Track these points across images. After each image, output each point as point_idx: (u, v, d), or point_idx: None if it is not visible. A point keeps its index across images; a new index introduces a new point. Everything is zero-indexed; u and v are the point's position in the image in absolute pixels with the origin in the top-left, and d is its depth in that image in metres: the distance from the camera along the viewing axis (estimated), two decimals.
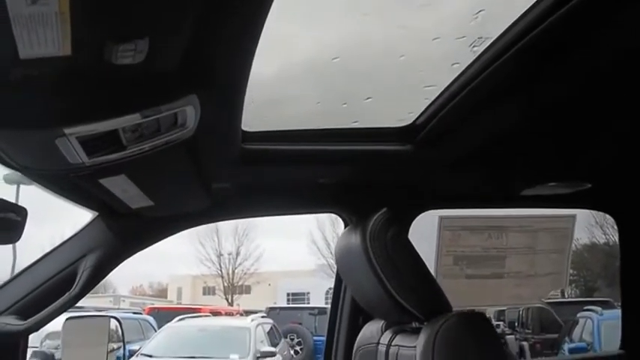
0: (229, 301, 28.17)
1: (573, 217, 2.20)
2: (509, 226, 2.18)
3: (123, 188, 1.47)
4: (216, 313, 13.38)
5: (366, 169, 1.75)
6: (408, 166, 1.73)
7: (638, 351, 2.20)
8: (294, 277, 27.08)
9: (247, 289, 30.30)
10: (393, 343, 1.63)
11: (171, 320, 9.68)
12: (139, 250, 1.88)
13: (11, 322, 1.72)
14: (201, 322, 10.05)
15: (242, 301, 27.06)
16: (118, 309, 13.94)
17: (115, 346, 2.35)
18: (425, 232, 2.14)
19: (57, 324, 2.10)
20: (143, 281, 37.08)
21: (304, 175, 1.78)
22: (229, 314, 13.93)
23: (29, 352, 1.94)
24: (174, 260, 46.63)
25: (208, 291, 31.55)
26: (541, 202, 2.09)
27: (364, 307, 1.80)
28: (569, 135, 1.60)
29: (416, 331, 1.47)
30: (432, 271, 2.19)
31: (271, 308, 14.08)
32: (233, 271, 29.93)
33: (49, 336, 2.08)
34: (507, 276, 2.20)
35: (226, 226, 30.35)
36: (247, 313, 11.03)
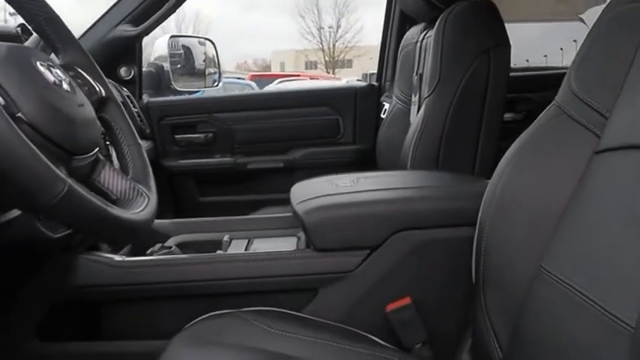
0: (331, 74, 28.82)
1: None
2: None
3: None
4: (314, 79, 13.99)
5: None
6: None
7: None
8: None
9: (349, 63, 30.66)
10: (426, 36, 1.92)
11: None
12: None
13: (127, 29, 2.13)
14: (299, 84, 10.66)
15: (343, 74, 27.60)
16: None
17: (212, 70, 2.73)
18: None
19: (163, 48, 2.51)
20: (247, 58, 38.37)
21: None
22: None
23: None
24: (277, 37, 47.25)
25: (310, 65, 32.26)
26: None
27: None
28: None
29: None
30: None
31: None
32: (334, 45, 30.18)
33: (157, 59, 2.48)
34: None
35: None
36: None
